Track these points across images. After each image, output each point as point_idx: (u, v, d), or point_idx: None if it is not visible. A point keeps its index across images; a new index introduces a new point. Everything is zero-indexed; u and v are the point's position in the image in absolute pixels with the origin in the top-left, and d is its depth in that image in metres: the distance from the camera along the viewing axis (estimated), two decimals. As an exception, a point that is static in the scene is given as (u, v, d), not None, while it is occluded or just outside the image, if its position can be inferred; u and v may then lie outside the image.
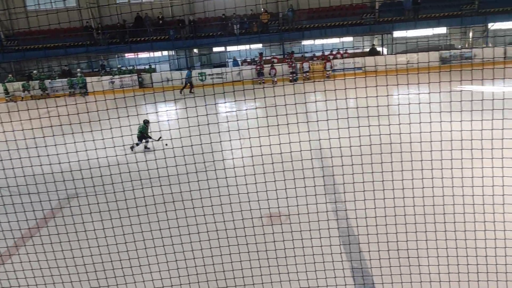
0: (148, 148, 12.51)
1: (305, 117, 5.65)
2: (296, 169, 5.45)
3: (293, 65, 25.43)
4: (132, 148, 11.93)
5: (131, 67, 28.94)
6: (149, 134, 12.30)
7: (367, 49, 27.79)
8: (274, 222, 6.09)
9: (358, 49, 28.45)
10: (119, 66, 30.25)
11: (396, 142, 5.31)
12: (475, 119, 5.15)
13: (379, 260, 4.98)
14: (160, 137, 11.83)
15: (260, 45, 30.17)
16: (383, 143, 5.30)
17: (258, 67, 25.65)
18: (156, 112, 14.54)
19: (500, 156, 4.95)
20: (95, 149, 5.18)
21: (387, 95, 5.43)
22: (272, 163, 5.12)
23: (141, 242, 5.18)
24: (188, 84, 23.89)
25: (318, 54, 26.88)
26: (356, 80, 5.11)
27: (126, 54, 30.72)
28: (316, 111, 5.45)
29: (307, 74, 25.37)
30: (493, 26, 27.63)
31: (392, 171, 5.07)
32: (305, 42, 29.94)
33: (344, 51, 27.19)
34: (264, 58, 27.19)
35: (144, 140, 12.40)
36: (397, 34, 28.19)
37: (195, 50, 30.90)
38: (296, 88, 18.73)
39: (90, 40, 28.10)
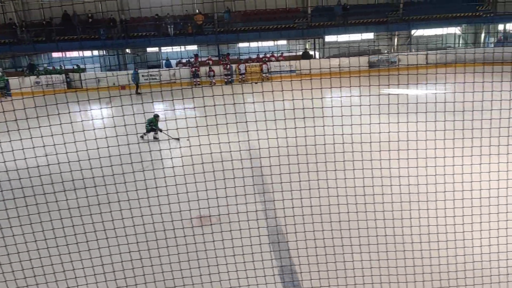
0: (157, 138, 13.76)
1: (239, 118, 5.69)
2: (222, 170, 5.45)
3: (228, 67, 25.53)
4: (142, 137, 13.34)
5: (58, 67, 27.54)
6: (159, 127, 13.59)
7: (301, 53, 28.54)
8: (204, 223, 6.09)
9: (292, 52, 29.15)
10: (45, 65, 28.70)
11: (323, 143, 5.49)
12: (401, 120, 5.46)
13: (307, 257, 5.12)
14: (178, 138, 11.75)
15: (195, 47, 29.96)
16: (308, 144, 5.46)
17: (194, 68, 25.48)
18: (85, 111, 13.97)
19: (424, 156, 5.28)
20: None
21: (321, 98, 5.61)
22: (202, 163, 5.12)
23: (64, 247, 4.97)
24: (135, 84, 23.34)
25: (254, 56, 27.21)
26: (290, 82, 5.21)
27: (53, 53, 29.23)
28: (242, 113, 5.52)
29: (244, 76, 25.59)
30: (416, 33, 29.46)
31: (317, 171, 5.25)
32: (241, 45, 30.18)
33: (279, 55, 27.72)
34: (199, 59, 27.07)
35: (153, 132, 13.78)
36: (328, 38, 29.20)
37: (128, 50, 30.09)
38: (231, 90, 18.76)
39: (14, 38, 26.43)
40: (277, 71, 25.89)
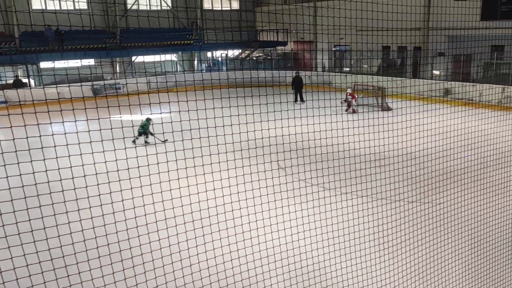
0: (148, 143, 13.95)
1: None
2: None
3: None
4: (134, 141, 13.42)
5: None
6: (150, 131, 13.65)
7: (11, 81, 25.10)
8: None
9: (0, 81, 25.31)
10: None
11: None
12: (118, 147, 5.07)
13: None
14: (166, 140, 12.29)
15: None
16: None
17: None
18: None
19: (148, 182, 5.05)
20: None
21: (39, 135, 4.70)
22: None
23: None
24: None
25: None
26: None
27: None
28: None
29: None
30: (137, 59, 30.05)
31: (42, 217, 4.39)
32: None
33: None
34: None
35: (144, 136, 13.94)
36: (44, 65, 26.71)
37: None
38: None
39: None
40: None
